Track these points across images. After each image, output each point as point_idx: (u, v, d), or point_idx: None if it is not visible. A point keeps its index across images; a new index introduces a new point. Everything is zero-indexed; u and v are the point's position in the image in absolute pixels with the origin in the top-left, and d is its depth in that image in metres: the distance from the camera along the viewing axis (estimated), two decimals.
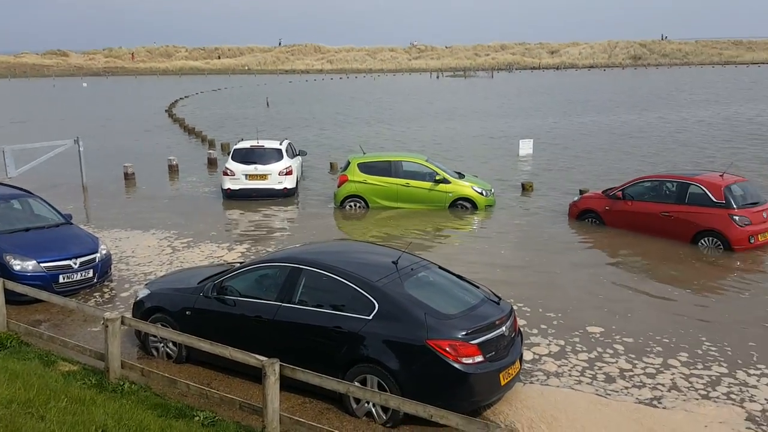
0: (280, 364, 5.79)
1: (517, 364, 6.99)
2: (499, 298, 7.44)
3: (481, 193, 16.47)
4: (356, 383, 6.54)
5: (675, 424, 6.66)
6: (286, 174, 17.81)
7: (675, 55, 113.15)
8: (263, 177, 17.70)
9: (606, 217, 14.47)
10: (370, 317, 6.70)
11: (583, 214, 15.03)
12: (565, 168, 22.18)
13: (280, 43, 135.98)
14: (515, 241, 13.84)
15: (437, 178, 16.38)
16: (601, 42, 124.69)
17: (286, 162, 18.05)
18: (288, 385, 6.50)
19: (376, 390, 6.38)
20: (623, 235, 13.78)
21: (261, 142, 18.70)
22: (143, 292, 8.52)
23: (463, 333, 6.45)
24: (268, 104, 49.55)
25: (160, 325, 7.61)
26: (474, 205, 16.36)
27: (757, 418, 6.82)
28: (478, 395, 6.57)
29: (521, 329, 7.70)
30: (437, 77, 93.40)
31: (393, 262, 7.29)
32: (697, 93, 51.60)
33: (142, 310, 8.25)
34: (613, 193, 14.45)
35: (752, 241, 12.46)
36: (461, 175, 17.05)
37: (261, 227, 15.34)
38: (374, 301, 6.76)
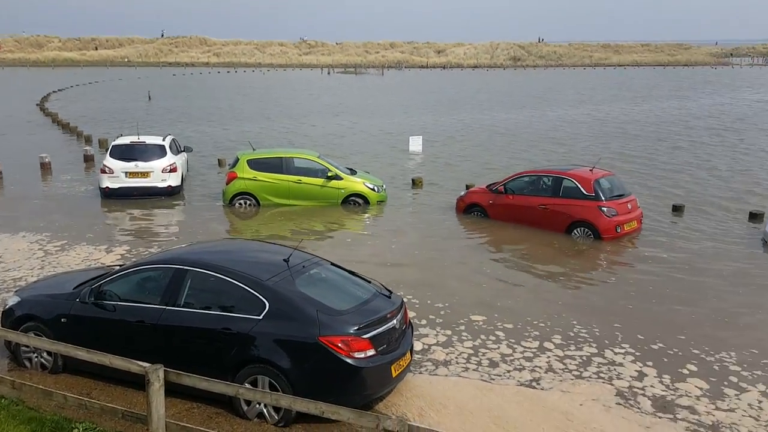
0: (165, 370, 5.58)
1: (408, 355, 7.15)
2: (391, 292, 7.57)
3: (373, 189, 16.67)
4: (247, 385, 6.43)
5: (552, 404, 7.09)
6: (170, 171, 17.11)
7: (551, 57, 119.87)
8: (145, 174, 16.91)
9: (490, 211, 15.11)
10: (261, 317, 6.60)
11: (469, 208, 15.61)
12: (452, 163, 22.93)
13: (162, 35, 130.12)
14: (406, 236, 14.15)
15: (329, 174, 16.38)
16: (483, 43, 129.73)
17: (169, 158, 17.34)
18: (175, 390, 6.28)
19: (267, 390, 6.31)
20: (505, 228, 14.47)
21: (142, 138, 17.83)
22: (13, 300, 7.90)
23: (355, 328, 6.51)
24: (149, 98, 47.35)
25: (32, 335, 7.09)
26: (366, 201, 16.53)
27: (625, 394, 7.41)
28: (371, 388, 6.67)
29: (411, 321, 7.89)
30: (328, 73, 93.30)
31: (284, 260, 7.22)
32: (570, 93, 55.04)
33: (12, 318, 7.64)
34: (496, 188, 15.11)
35: (619, 230, 13.48)
36: (353, 172, 17.17)
37: (143, 228, 14.66)
38: (264, 301, 6.67)
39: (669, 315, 9.70)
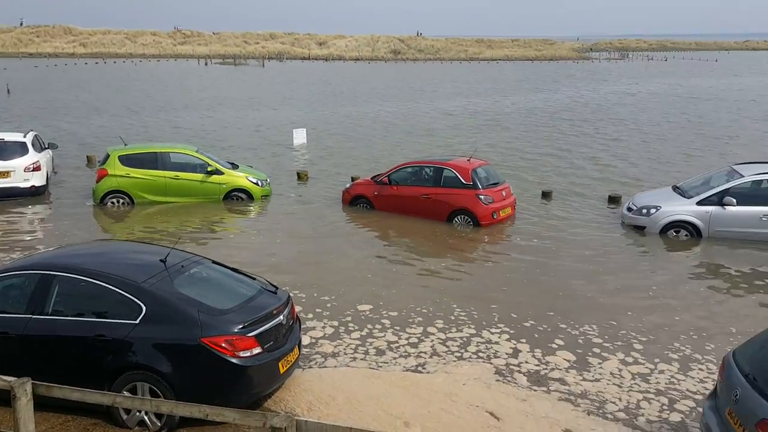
0: (33, 383, 5.20)
1: (296, 350, 7.14)
2: (276, 288, 7.51)
3: (257, 184, 16.39)
4: (125, 392, 6.14)
5: (437, 387, 7.38)
6: (33, 170, 15.88)
7: (429, 51, 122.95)
8: (5, 174, 15.59)
9: (375, 202, 15.35)
10: (138, 321, 6.32)
11: (354, 200, 15.76)
12: (337, 156, 23.00)
13: (22, 23, 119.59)
14: (291, 230, 14.06)
15: (209, 169, 15.90)
16: (365, 36, 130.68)
17: (32, 156, 16.08)
18: (49, 404, 5.88)
19: (148, 397, 6.07)
20: (390, 218, 14.77)
21: (1, 135, 16.41)
22: None
23: (240, 327, 6.41)
24: (8, 92, 43.51)
25: None
26: (249, 196, 16.22)
27: (503, 371, 7.86)
28: (258, 387, 6.60)
29: (299, 316, 7.88)
30: (206, 64, 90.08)
31: (161, 261, 6.95)
32: (447, 86, 56.88)
33: None
34: (380, 179, 15.37)
35: (495, 216, 14.19)
36: (235, 166, 16.77)
37: (5, 232, 13.50)
38: (141, 304, 6.39)
39: (539, 294, 10.36)
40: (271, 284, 7.61)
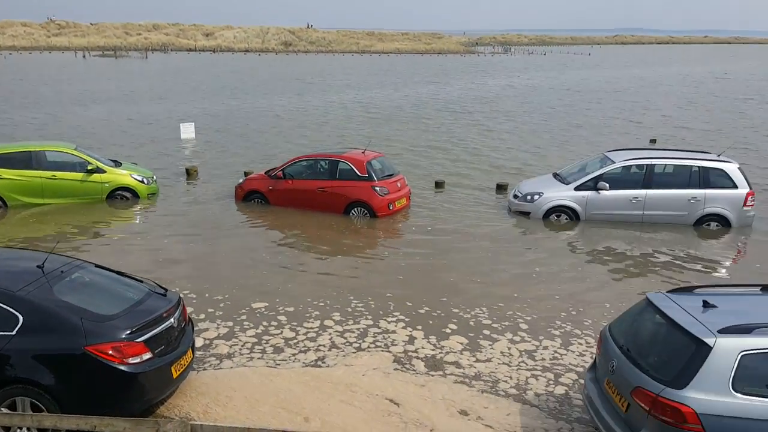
0: None
1: (190, 353, 6.93)
2: (166, 290, 7.25)
3: (142, 181, 15.67)
4: (3, 409, 5.72)
5: (338, 379, 7.43)
6: None
7: (320, 43, 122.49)
8: None
9: (270, 197, 15.13)
10: (14, 332, 5.90)
11: (248, 195, 15.45)
12: (228, 150, 22.42)
13: None
14: (181, 229, 13.57)
15: (90, 168, 15.01)
16: (254, 27, 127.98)
17: None
18: None
19: (28, 412, 5.68)
20: (286, 213, 14.63)
21: None
22: None
23: (127, 332, 6.13)
24: None
25: None
26: (135, 195, 15.49)
27: (402, 359, 8.04)
28: (151, 393, 6.35)
29: (191, 317, 7.65)
30: (84, 57, 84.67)
31: (38, 267, 6.51)
32: (340, 78, 56.97)
33: None
34: (275, 173, 15.16)
35: (391, 207, 14.42)
36: (118, 164, 15.93)
37: None
38: (17, 314, 5.96)
39: (433, 281, 10.67)
40: (160, 286, 7.33)
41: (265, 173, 15.55)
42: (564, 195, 14.28)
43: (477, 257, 11.99)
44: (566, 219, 14.24)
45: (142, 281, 7.30)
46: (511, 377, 7.66)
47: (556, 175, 15.31)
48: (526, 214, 14.55)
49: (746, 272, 11.56)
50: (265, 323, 8.95)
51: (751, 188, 13.73)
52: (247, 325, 8.87)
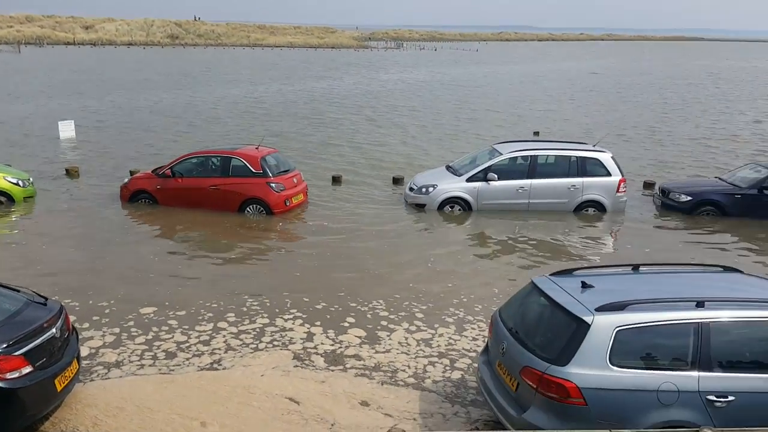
0: None
1: (75, 364, 6.55)
2: (46, 299, 6.80)
3: (17, 184, 14.58)
4: None
5: (235, 381, 7.29)
6: None
7: (209, 36, 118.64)
8: None
9: (159, 196, 14.54)
10: None
11: (135, 195, 14.77)
12: (111, 149, 21.25)
13: None
14: (60, 233, 12.74)
15: None
16: (137, 19, 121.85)
17: None
18: None
19: None
20: (176, 212, 14.11)
21: None
22: None
23: (4, 346, 5.72)
24: None
25: None
26: (10, 199, 14.39)
27: (301, 356, 8.01)
28: (33, 409, 5.95)
29: (74, 326, 7.22)
30: None
31: None
32: (229, 73, 55.46)
33: None
34: (163, 172, 14.58)
35: (288, 204, 14.28)
36: None
37: None
38: None
39: (330, 277, 10.68)
40: (39, 295, 6.87)
41: (153, 172, 14.93)
42: (457, 186, 14.75)
43: (374, 250, 12.13)
44: (459, 209, 14.72)
45: (18, 290, 6.81)
46: (409, 366, 7.84)
47: (448, 168, 15.77)
48: (422, 206, 14.89)
49: (620, 253, 12.48)
50: (155, 329, 8.61)
51: (623, 176, 14.82)
52: (136, 332, 8.49)
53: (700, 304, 5.63)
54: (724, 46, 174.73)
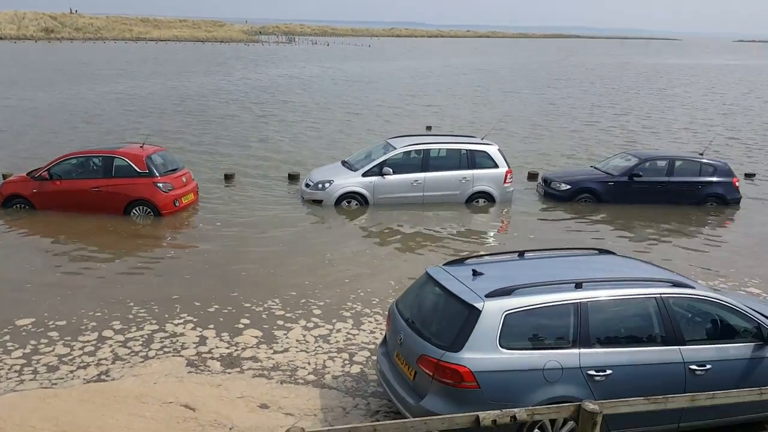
0: None
1: None
2: None
3: None
4: None
5: (126, 392, 6.93)
6: None
7: (88, 30, 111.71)
8: None
9: (35, 200, 13.58)
10: None
11: (8, 200, 13.72)
12: None
13: None
14: None
15: None
16: (6, 12, 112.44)
17: None
18: None
19: None
20: (56, 217, 13.23)
21: None
22: None
23: None
24: None
25: None
26: None
27: (195, 361, 7.75)
28: None
29: None
30: None
31: None
32: (108, 68, 52.50)
33: None
34: (39, 174, 13.62)
35: (177, 204, 13.74)
36: None
37: None
38: None
39: (222, 278, 10.39)
40: None
41: (27, 174, 13.93)
42: (353, 181, 14.82)
43: (269, 249, 11.95)
44: (356, 204, 14.81)
45: None
46: (309, 363, 7.79)
47: (344, 163, 15.81)
48: (319, 202, 14.84)
49: (508, 241, 13.06)
50: (33, 341, 8.02)
51: (509, 167, 15.51)
52: (12, 346, 7.87)
53: (578, 285, 6.01)
54: (598, 43, 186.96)
